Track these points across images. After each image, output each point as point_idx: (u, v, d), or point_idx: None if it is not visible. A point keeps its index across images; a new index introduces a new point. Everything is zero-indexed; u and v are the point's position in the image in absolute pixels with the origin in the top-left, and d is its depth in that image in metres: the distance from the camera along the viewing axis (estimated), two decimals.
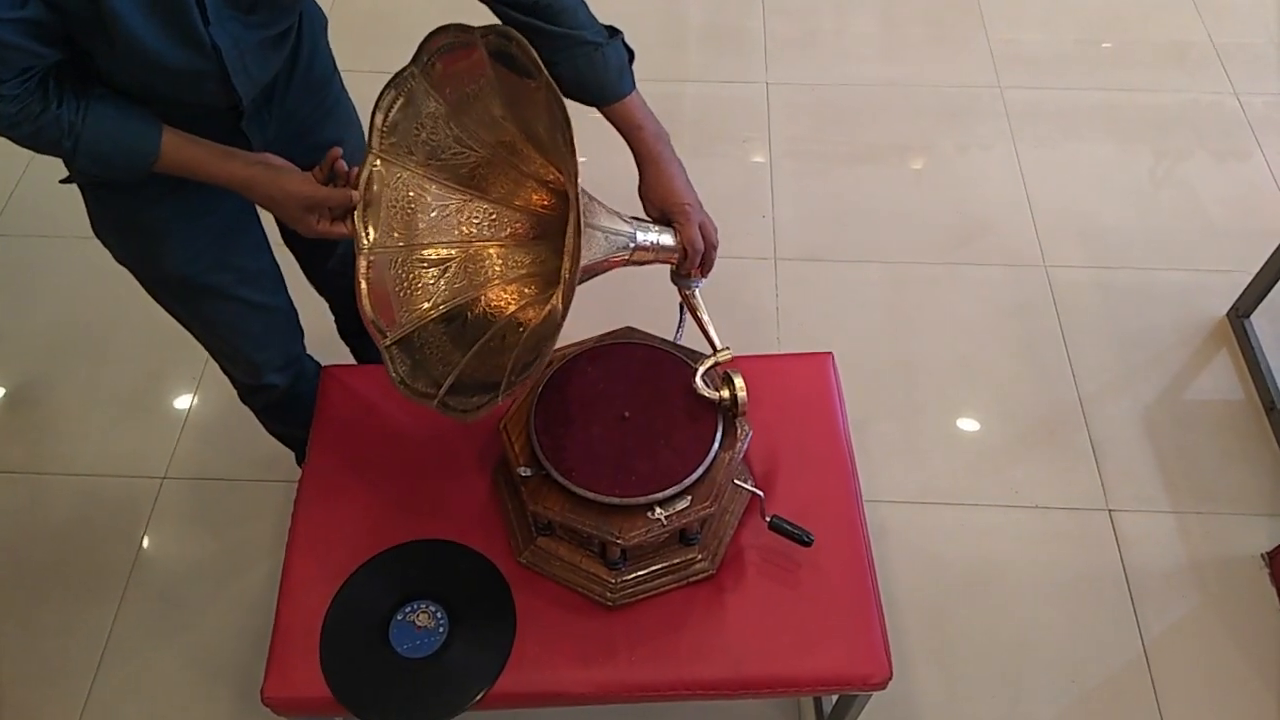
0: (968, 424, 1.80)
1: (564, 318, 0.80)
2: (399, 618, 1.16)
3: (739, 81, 2.36)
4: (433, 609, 1.17)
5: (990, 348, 1.90)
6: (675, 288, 1.17)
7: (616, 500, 1.08)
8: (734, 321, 1.93)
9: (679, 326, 1.24)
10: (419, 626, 1.16)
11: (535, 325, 0.93)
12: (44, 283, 2.00)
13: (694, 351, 1.21)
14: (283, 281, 1.37)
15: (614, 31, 1.07)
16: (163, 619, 1.58)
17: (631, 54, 1.09)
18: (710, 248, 1.09)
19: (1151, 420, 1.79)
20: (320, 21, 1.21)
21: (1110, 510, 1.69)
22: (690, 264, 1.09)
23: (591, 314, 2.02)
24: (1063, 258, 2.03)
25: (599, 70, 1.03)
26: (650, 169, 1.09)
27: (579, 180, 0.83)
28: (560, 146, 0.80)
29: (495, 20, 0.97)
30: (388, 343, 0.97)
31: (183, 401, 1.83)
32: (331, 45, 1.23)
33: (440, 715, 1.11)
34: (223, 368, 1.46)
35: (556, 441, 1.12)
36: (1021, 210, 2.11)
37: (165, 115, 0.97)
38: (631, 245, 1.01)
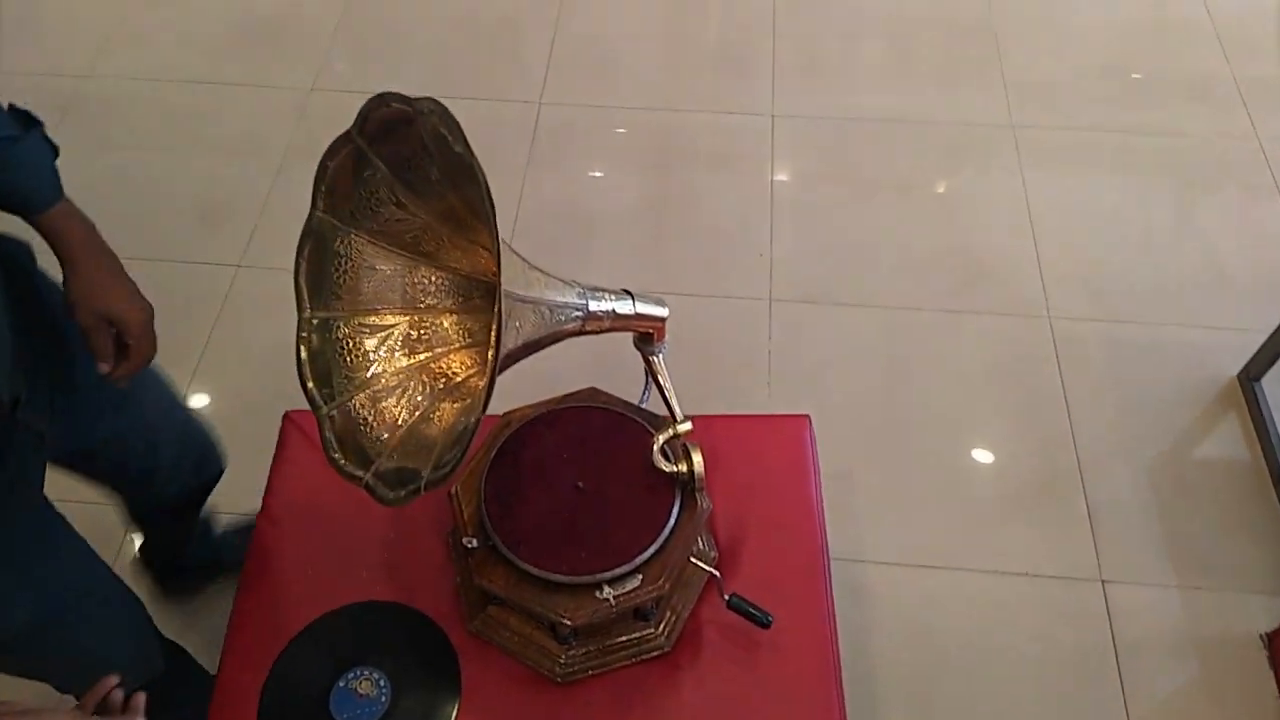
0: (960, 482, 1.74)
1: (483, 410, 0.76)
2: (341, 684, 1.12)
3: (744, 113, 2.31)
4: (376, 676, 1.13)
5: (988, 402, 1.83)
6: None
7: (563, 578, 1.03)
8: (724, 365, 1.88)
9: (645, 390, 1.19)
10: (360, 694, 1.12)
11: (456, 415, 0.89)
12: None
13: (659, 418, 1.17)
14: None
15: (31, 121, 0.92)
16: None
17: (55, 149, 0.95)
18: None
19: (1153, 486, 1.72)
20: (22, 251, 1.01)
21: (1104, 581, 1.62)
22: (131, 363, 1.04)
23: (560, 370, 1.98)
24: (1068, 309, 1.96)
25: (26, 172, 0.89)
26: (83, 270, 0.96)
27: (503, 255, 0.79)
28: (489, 224, 0.76)
29: None
30: (324, 413, 0.94)
31: None
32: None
33: None
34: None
35: (506, 511, 1.08)
36: (1028, 257, 2.04)
37: None
38: (582, 315, 0.96)
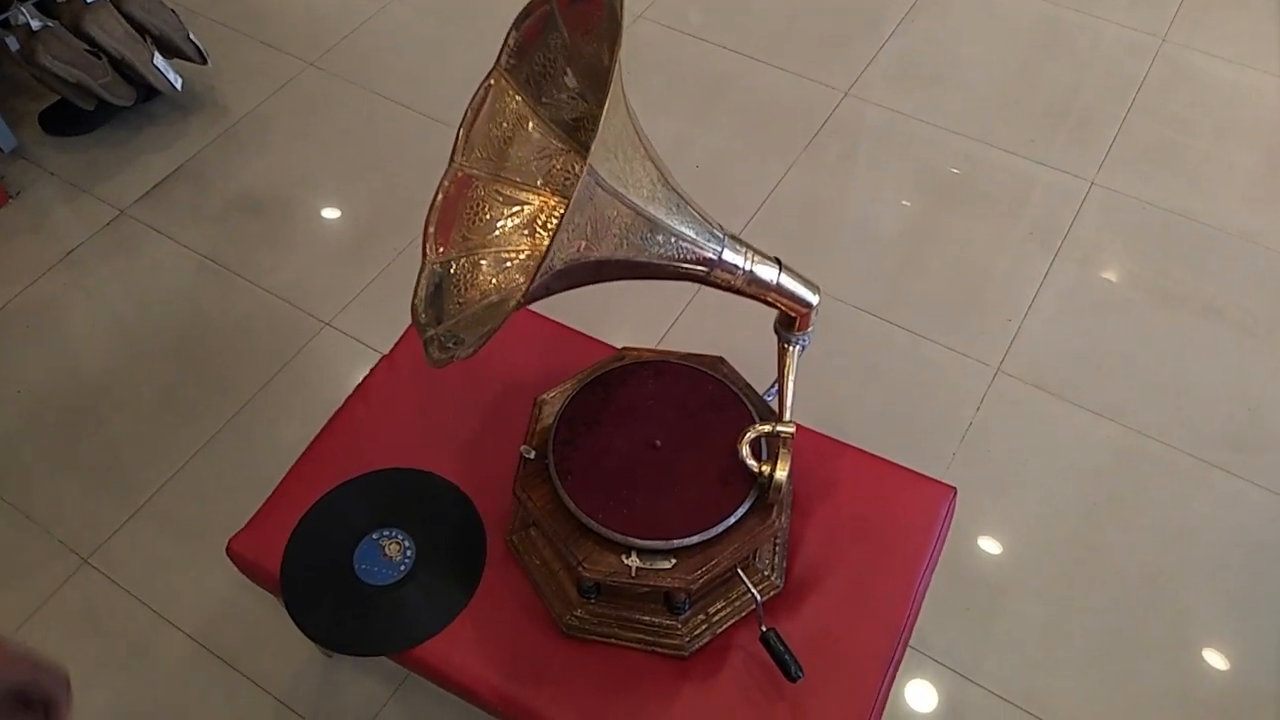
0: (1126, 650, 1.45)
1: (521, 299, 0.69)
2: (374, 536, 1.12)
3: (1061, 170, 2.05)
4: (406, 544, 1.12)
5: (1203, 579, 1.51)
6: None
7: (596, 526, 0.96)
8: (916, 417, 1.69)
9: (773, 384, 1.07)
10: (385, 554, 1.11)
11: (511, 302, 0.83)
12: (340, 117, 2.18)
13: (773, 414, 1.05)
14: None
15: None
16: (263, 440, 1.67)
17: None
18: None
19: None
20: None
21: None
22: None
23: (707, 329, 1.86)
24: None
25: None
26: None
27: (635, 162, 0.71)
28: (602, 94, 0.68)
29: None
30: (430, 260, 0.92)
31: (374, 268, 1.91)
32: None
33: (343, 645, 1.06)
34: None
35: (572, 436, 1.01)
36: None
37: None
38: (712, 260, 0.87)
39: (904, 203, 2.01)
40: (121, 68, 2.00)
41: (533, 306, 1.35)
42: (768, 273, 0.91)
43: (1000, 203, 2.01)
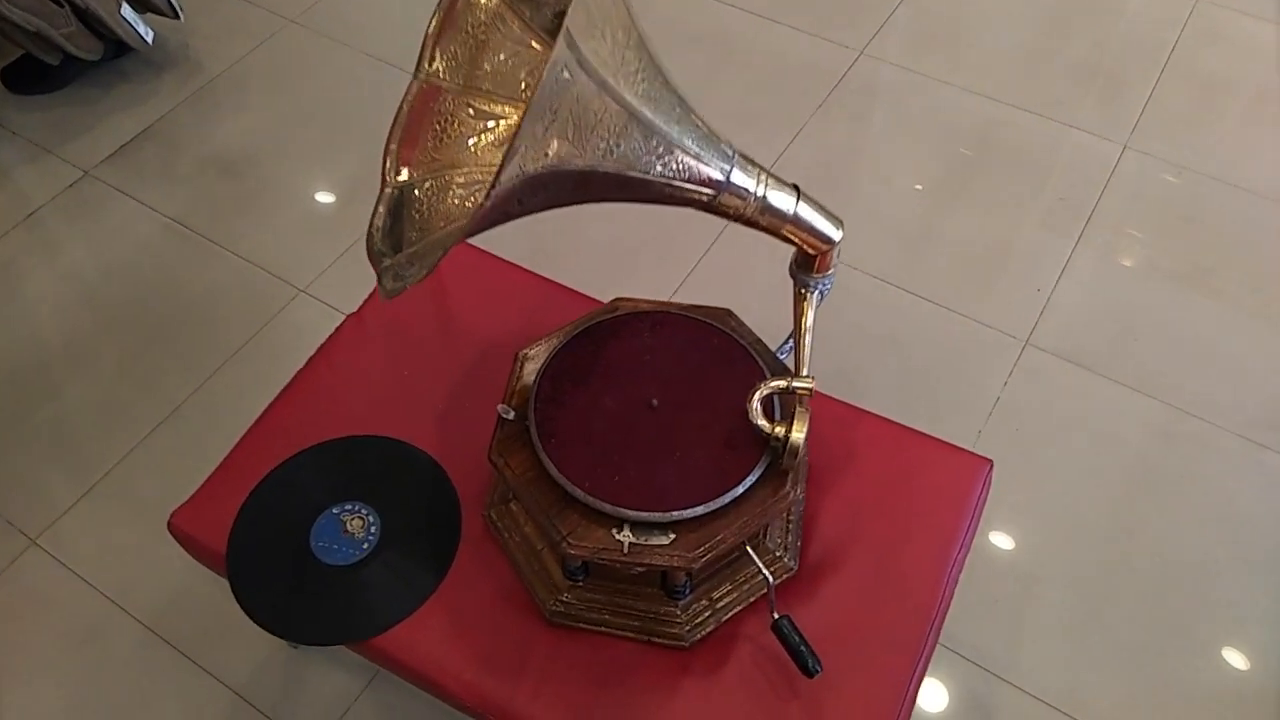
0: (1170, 645, 1.32)
1: (471, 230, 0.56)
2: (334, 510, 1.00)
3: (1091, 133, 1.92)
4: (370, 520, 0.99)
5: (1252, 568, 1.38)
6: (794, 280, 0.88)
7: (582, 495, 0.83)
8: (940, 392, 1.56)
9: (787, 339, 0.95)
10: (346, 530, 0.98)
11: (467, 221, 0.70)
12: (322, 76, 2.05)
13: (787, 371, 0.92)
14: None
15: None
16: (230, 413, 1.55)
17: None
18: None
19: None
20: None
21: None
22: None
23: (714, 296, 1.73)
24: None
25: None
26: None
27: (631, 56, 0.58)
28: None
29: None
30: (390, 183, 0.79)
31: (354, 233, 1.79)
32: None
33: (295, 632, 0.93)
34: None
35: (557, 394, 0.88)
36: None
37: None
38: (719, 182, 0.74)
39: (923, 167, 1.88)
40: (87, 18, 1.87)
41: (519, 261, 1.23)
42: (784, 200, 0.78)
43: (1026, 167, 1.87)
